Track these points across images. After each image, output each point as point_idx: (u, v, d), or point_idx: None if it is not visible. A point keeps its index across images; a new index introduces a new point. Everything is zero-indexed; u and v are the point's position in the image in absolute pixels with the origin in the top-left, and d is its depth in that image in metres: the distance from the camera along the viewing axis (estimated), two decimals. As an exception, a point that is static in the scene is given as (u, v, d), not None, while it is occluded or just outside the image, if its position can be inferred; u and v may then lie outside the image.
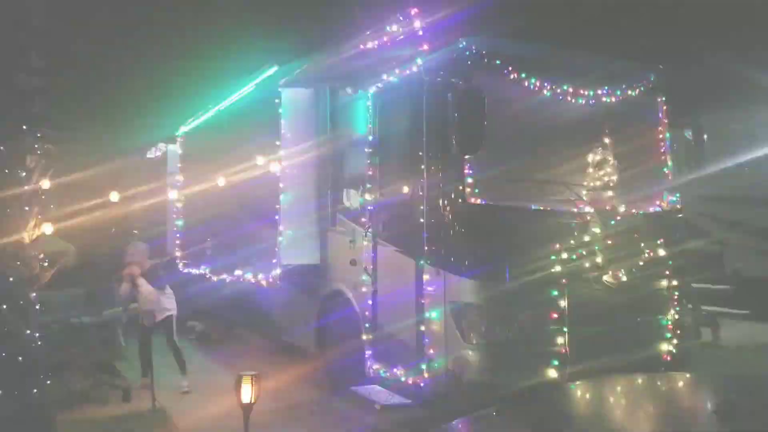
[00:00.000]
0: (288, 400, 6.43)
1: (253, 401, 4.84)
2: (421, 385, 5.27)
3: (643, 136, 6.32)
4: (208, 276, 9.49)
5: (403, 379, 5.50)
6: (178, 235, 11.09)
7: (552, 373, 4.93)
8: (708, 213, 11.26)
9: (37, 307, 4.62)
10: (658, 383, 3.63)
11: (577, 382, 3.46)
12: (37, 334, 4.67)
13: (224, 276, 8.79)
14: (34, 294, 4.58)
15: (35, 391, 4.53)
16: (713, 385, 3.50)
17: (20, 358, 4.44)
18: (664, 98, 6.45)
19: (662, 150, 6.36)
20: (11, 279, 4.43)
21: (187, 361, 8.48)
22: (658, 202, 6.07)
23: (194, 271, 10.19)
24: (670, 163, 6.36)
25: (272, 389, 6.17)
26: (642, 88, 6.22)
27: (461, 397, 5.02)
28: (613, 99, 5.97)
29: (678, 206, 6.28)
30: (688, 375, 4.00)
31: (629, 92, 6.11)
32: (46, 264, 4.81)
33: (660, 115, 6.43)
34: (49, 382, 4.70)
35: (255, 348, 9.08)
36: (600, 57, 6.00)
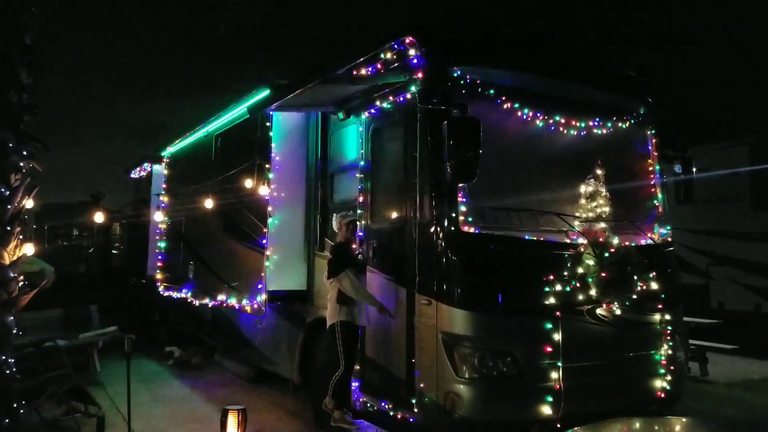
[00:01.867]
0: None
1: (238, 437, 4.66)
2: (411, 420, 5.12)
3: (634, 168, 6.34)
4: (189, 300, 9.29)
5: (391, 413, 5.35)
6: (160, 257, 10.89)
7: (546, 410, 4.82)
8: (692, 246, 11.37)
9: (15, 331, 4.43)
10: (656, 428, 3.56)
11: (574, 429, 3.34)
12: (12, 360, 4.47)
13: (206, 300, 8.61)
14: (11, 318, 4.38)
15: (7, 420, 4.32)
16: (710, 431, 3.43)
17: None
18: (653, 131, 6.49)
19: (653, 182, 6.37)
20: (-13, 302, 4.25)
21: (164, 388, 8.27)
22: (649, 235, 6.05)
23: (175, 294, 9.99)
24: (660, 195, 6.38)
25: (253, 421, 5.96)
26: (632, 121, 6.27)
27: (452, 433, 4.89)
28: (604, 131, 6.01)
29: (669, 239, 6.29)
30: (684, 419, 3.92)
31: (620, 124, 6.16)
32: (26, 284, 4.62)
33: (650, 147, 6.46)
34: (21, 411, 4.48)
35: (236, 376, 8.85)
36: (592, 89, 6.06)
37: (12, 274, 4.42)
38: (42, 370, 6.43)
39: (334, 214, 6.49)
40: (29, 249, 4.63)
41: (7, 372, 4.36)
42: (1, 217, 4.35)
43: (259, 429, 6.21)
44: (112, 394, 7.09)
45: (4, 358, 4.33)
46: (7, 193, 4.37)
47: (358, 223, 5.90)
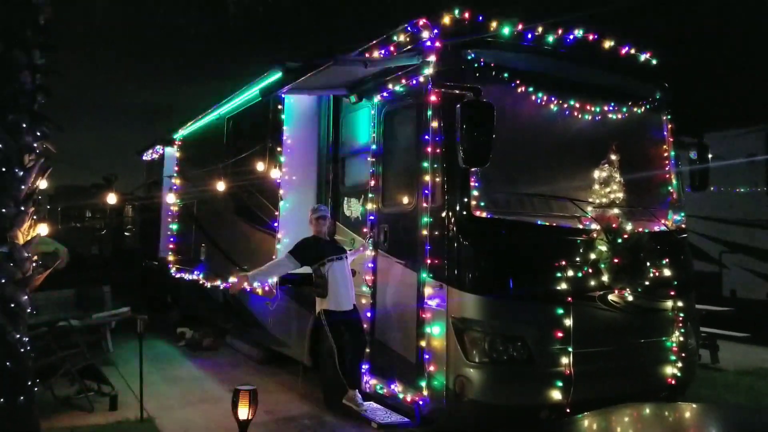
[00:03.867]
0: (280, 413, 6.29)
1: (250, 417, 4.69)
2: (420, 403, 5.15)
3: (649, 154, 6.27)
4: (200, 282, 9.35)
5: (401, 396, 5.38)
6: (172, 239, 10.95)
7: (555, 395, 4.82)
8: (706, 233, 11.27)
9: (29, 310, 4.47)
10: (666, 414, 3.55)
11: (584, 414, 3.34)
12: (26, 338, 4.52)
13: (217, 282, 8.66)
14: (26, 297, 4.43)
15: (21, 398, 4.37)
16: (721, 417, 3.42)
17: (8, 363, 4.29)
18: (669, 116, 6.41)
19: (667, 168, 6.31)
20: (3, 280, 4.28)
21: (176, 368, 8.36)
22: (663, 221, 6.00)
23: (187, 276, 10.06)
24: (675, 181, 6.31)
25: (263, 401, 6.02)
26: (648, 106, 6.19)
27: (462, 417, 4.91)
28: (619, 116, 5.94)
29: (683, 225, 6.23)
30: (695, 405, 3.91)
31: (635, 109, 6.08)
32: (40, 265, 4.66)
33: (665, 133, 6.38)
34: (36, 389, 4.54)
35: (247, 357, 8.93)
36: (607, 73, 5.98)
37: (26, 254, 4.45)
38: (56, 350, 6.52)
39: (346, 198, 6.53)
40: (43, 229, 4.66)
41: (22, 350, 4.40)
42: (15, 197, 4.37)
43: (270, 410, 6.27)
44: (125, 373, 7.17)
45: (18, 336, 4.37)
46: (21, 173, 4.39)
47: (327, 217, 6.05)
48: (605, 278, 5.19)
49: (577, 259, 5.16)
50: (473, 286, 4.91)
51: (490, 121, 4.68)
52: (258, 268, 6.06)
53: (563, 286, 5.01)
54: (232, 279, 6.00)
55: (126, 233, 17.52)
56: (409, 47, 5.59)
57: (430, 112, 5.26)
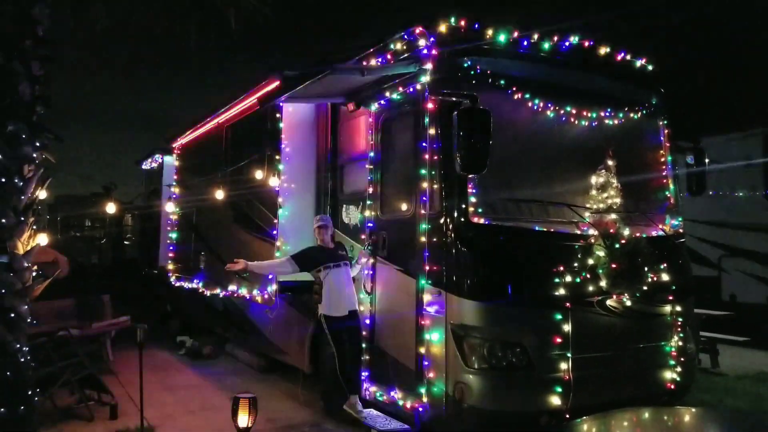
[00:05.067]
0: (280, 420, 6.28)
1: (250, 425, 4.70)
2: (420, 410, 5.15)
3: (646, 159, 6.30)
4: (200, 290, 9.36)
5: (401, 403, 5.38)
6: (171, 248, 10.96)
7: (555, 401, 4.82)
8: (704, 237, 11.29)
9: (29, 320, 4.49)
10: (665, 418, 3.56)
11: (584, 418, 3.35)
12: (26, 348, 4.53)
13: (217, 291, 8.67)
14: (26, 306, 4.44)
15: (22, 408, 4.38)
16: (721, 421, 3.43)
17: (8, 373, 4.29)
18: (666, 121, 6.44)
19: (665, 173, 6.33)
20: (2, 291, 4.30)
21: (176, 377, 8.35)
22: (661, 226, 6.02)
23: (186, 284, 10.06)
24: (672, 186, 6.33)
25: (264, 409, 6.01)
26: (644, 111, 6.23)
27: (462, 423, 4.91)
28: (616, 121, 5.97)
29: (681, 230, 6.25)
30: (694, 410, 3.92)
31: (632, 115, 6.12)
32: (39, 275, 4.68)
33: (662, 137, 6.41)
34: (36, 399, 4.54)
35: (246, 366, 8.93)
36: (603, 78, 6.01)
37: (26, 264, 4.47)
38: (56, 359, 6.51)
39: (344, 205, 6.55)
40: (43, 239, 4.68)
41: (22, 360, 4.42)
42: (14, 208, 4.39)
43: (270, 417, 6.26)
44: (125, 382, 7.16)
45: (18, 346, 4.38)
46: (21, 183, 4.41)
47: (328, 226, 6.26)
48: (603, 284, 5.20)
49: (576, 264, 5.18)
50: (472, 292, 4.92)
51: (487, 128, 4.70)
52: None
53: (562, 291, 5.02)
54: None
55: (126, 242, 17.55)
56: (405, 55, 5.62)
57: (427, 120, 5.29)
